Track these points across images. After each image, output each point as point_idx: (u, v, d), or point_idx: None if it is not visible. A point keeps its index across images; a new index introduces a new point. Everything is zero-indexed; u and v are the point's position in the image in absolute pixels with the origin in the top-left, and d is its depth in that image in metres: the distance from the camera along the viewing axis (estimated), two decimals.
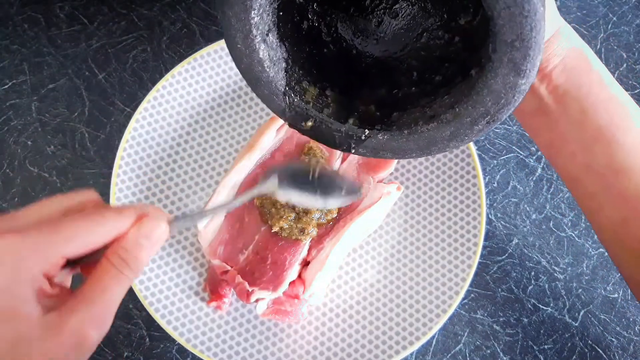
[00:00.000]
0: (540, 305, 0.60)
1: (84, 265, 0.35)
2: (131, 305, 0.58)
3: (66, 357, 0.30)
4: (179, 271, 0.57)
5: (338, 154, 0.59)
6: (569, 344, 0.58)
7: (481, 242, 0.58)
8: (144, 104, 0.61)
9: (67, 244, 0.32)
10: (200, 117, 0.63)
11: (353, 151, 0.40)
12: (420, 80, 0.43)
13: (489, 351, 0.58)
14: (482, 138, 0.65)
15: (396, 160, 0.60)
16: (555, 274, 0.61)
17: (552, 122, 0.44)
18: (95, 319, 0.31)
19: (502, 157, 0.65)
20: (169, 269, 0.57)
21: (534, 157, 0.65)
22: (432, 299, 0.57)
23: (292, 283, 0.55)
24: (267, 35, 0.38)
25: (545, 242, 0.62)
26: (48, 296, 0.31)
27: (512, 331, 0.59)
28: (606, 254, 0.62)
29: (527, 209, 0.63)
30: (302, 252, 0.55)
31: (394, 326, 0.56)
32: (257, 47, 0.37)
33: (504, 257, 0.61)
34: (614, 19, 0.71)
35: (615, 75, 0.69)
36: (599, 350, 0.58)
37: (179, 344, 0.56)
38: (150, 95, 0.61)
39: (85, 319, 0.31)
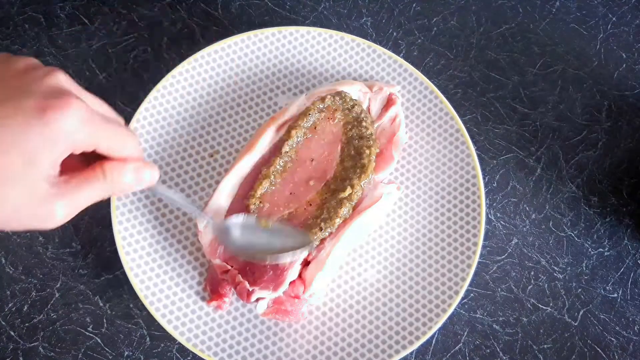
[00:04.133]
0: (539, 305, 0.60)
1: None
2: (132, 305, 0.58)
3: (37, 224, 0.37)
4: (179, 271, 0.57)
5: (336, 158, 0.59)
6: (569, 344, 0.59)
7: (481, 242, 0.58)
8: (144, 104, 0.61)
9: (102, 142, 0.38)
10: (200, 117, 0.63)
11: None
12: None
13: (488, 350, 0.58)
14: (482, 138, 0.66)
15: (396, 160, 0.60)
16: (555, 274, 0.61)
17: None
18: (70, 205, 0.38)
19: (501, 157, 0.65)
20: (170, 268, 0.57)
21: (534, 157, 0.65)
22: (431, 298, 0.57)
23: (292, 283, 0.55)
24: None
25: (545, 241, 0.62)
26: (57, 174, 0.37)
27: (512, 331, 0.59)
28: (606, 253, 0.62)
29: (527, 208, 0.63)
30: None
31: (394, 326, 0.56)
32: None
33: (503, 256, 0.61)
34: (614, 19, 0.72)
35: (615, 75, 0.69)
36: (598, 349, 0.58)
37: (179, 343, 0.56)
38: (150, 95, 0.62)
39: (64, 203, 0.37)
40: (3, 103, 0.35)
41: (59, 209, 0.37)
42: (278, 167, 0.57)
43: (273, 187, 0.57)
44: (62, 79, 0.37)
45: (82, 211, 0.62)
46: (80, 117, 0.36)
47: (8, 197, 0.35)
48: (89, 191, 0.39)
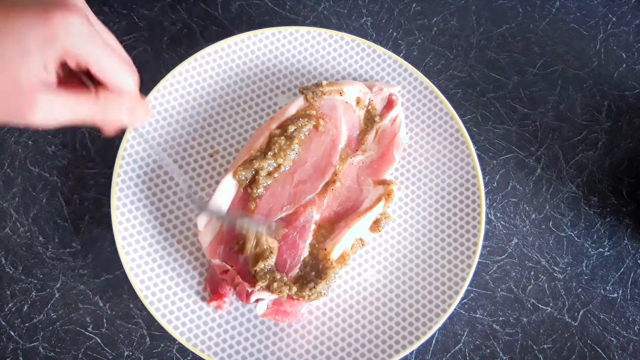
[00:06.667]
0: (539, 305, 0.60)
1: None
2: (132, 305, 0.58)
3: (15, 113, 0.37)
4: (179, 271, 0.57)
5: (336, 158, 0.59)
6: (569, 344, 0.59)
7: (481, 242, 0.58)
8: None
9: (97, 59, 0.39)
10: (200, 117, 0.63)
11: None
12: None
13: (488, 351, 0.58)
14: (482, 138, 0.66)
15: (397, 161, 0.60)
16: (555, 274, 0.61)
17: None
18: (53, 107, 0.38)
19: (501, 157, 0.65)
20: (170, 268, 0.57)
21: (534, 157, 0.65)
22: (432, 298, 0.57)
23: None
24: None
25: (545, 241, 0.62)
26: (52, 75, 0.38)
27: (512, 331, 0.59)
28: (606, 253, 0.62)
29: (527, 208, 0.63)
30: (303, 253, 0.55)
31: (394, 326, 0.56)
32: None
33: (503, 256, 0.61)
34: (614, 19, 0.72)
35: (615, 75, 0.69)
36: (598, 349, 0.58)
37: (179, 343, 0.56)
38: (150, 95, 0.62)
39: (47, 102, 0.38)
40: (16, 6, 0.37)
41: (40, 104, 0.37)
42: (274, 167, 0.57)
43: (272, 188, 0.57)
44: None
45: (82, 211, 0.62)
46: (78, 25, 0.37)
47: None
48: (77, 104, 0.39)
